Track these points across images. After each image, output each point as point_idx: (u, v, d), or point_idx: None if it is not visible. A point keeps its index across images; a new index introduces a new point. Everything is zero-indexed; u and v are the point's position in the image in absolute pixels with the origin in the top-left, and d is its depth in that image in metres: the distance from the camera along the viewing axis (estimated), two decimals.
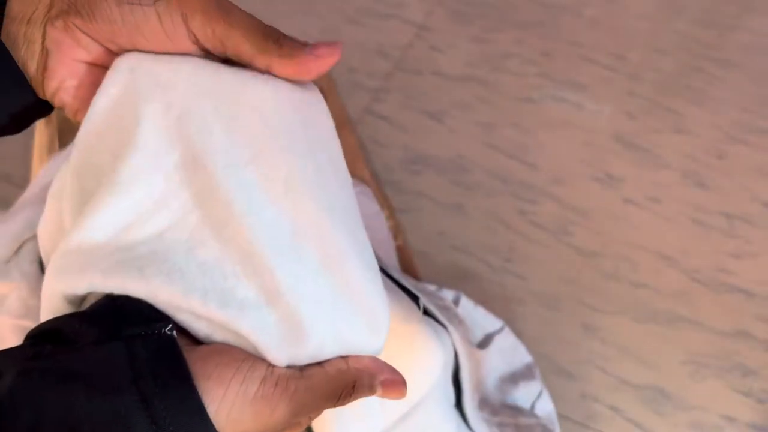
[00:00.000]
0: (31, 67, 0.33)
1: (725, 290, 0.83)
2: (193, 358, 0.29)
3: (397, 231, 0.85)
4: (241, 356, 0.30)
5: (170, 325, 0.29)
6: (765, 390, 0.77)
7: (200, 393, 0.28)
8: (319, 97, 0.34)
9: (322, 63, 0.31)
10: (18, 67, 0.32)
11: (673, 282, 0.83)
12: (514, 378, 0.70)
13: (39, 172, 0.65)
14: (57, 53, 0.32)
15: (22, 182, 0.84)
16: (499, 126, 0.95)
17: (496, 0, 1.06)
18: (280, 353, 0.30)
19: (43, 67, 0.33)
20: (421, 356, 0.50)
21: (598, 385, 0.77)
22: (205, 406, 0.28)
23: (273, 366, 0.30)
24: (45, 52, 0.32)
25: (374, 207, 0.82)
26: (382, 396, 0.33)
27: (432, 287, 0.74)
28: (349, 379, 0.32)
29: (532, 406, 0.69)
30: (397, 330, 0.48)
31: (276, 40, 0.31)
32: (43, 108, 0.35)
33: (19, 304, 0.49)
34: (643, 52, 1.01)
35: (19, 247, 0.52)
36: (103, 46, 0.33)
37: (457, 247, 0.86)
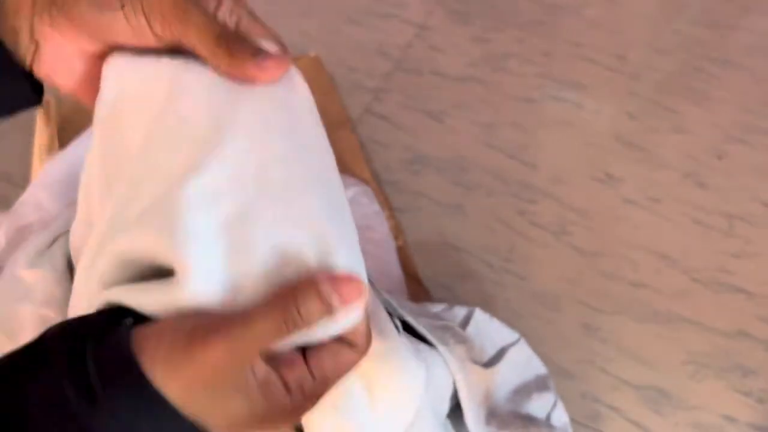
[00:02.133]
0: (20, 54, 0.35)
1: (725, 290, 0.83)
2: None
3: (397, 231, 0.85)
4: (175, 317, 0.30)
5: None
6: (765, 390, 0.77)
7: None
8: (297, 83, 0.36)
9: (267, 75, 0.34)
10: (9, 55, 0.34)
11: (673, 282, 0.83)
12: (527, 390, 0.69)
13: (40, 172, 0.66)
14: (45, 45, 0.35)
15: (22, 182, 0.84)
16: (499, 126, 0.95)
17: (496, 0, 1.06)
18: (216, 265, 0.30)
19: (32, 57, 0.35)
20: (402, 383, 0.49)
21: (598, 385, 0.77)
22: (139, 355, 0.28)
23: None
24: (35, 44, 0.35)
25: (374, 207, 0.82)
26: (341, 303, 0.30)
27: (440, 307, 0.72)
28: (289, 296, 0.30)
29: (548, 417, 0.69)
30: (377, 355, 0.47)
31: (227, 47, 0.33)
32: (36, 93, 0.37)
33: (43, 292, 0.50)
34: (643, 52, 1.01)
35: (54, 240, 0.53)
36: (87, 39, 0.35)
37: (457, 247, 0.86)
